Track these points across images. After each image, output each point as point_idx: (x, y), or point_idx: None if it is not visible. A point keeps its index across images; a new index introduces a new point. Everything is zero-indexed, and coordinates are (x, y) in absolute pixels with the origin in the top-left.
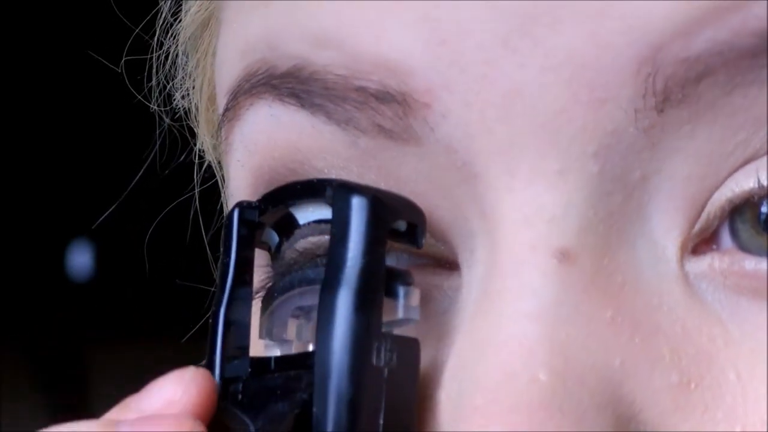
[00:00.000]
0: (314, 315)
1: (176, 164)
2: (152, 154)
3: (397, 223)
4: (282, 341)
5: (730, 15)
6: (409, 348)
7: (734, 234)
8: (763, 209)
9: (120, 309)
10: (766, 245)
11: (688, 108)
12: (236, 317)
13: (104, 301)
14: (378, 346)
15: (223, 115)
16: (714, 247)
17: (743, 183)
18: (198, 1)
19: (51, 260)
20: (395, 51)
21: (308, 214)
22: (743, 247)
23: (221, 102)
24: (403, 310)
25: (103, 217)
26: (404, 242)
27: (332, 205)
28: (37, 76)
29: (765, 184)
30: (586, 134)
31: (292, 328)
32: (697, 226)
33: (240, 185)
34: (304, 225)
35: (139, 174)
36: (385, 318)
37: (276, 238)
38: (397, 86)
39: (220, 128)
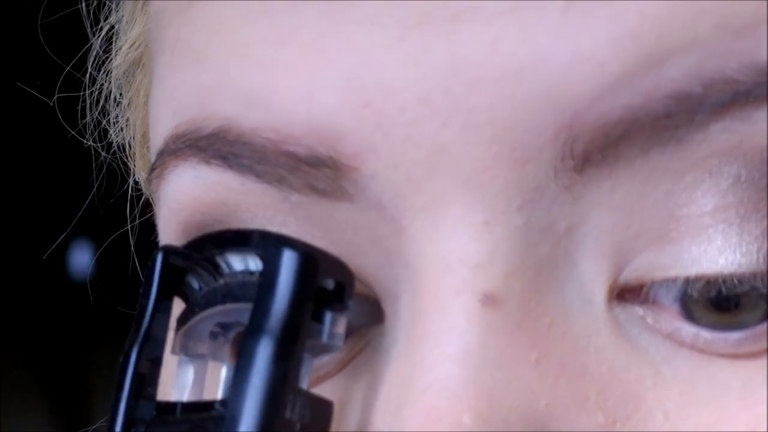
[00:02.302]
0: (232, 335)
1: None
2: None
3: (326, 281)
4: (196, 356)
5: (643, 79)
6: (324, 409)
7: (677, 297)
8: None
9: (120, 309)
10: (705, 314)
11: (608, 167)
12: (147, 359)
13: (104, 301)
14: (293, 400)
15: (151, 170)
16: (646, 298)
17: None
18: (129, 41)
19: (51, 260)
20: (323, 114)
21: (235, 263)
22: (687, 312)
23: (152, 157)
24: (327, 335)
25: (80, 213)
26: (331, 301)
27: (263, 255)
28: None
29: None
30: (510, 190)
31: (208, 344)
32: (623, 277)
33: (168, 237)
34: (227, 274)
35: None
36: (309, 341)
37: (196, 285)
38: (326, 151)
39: (149, 183)
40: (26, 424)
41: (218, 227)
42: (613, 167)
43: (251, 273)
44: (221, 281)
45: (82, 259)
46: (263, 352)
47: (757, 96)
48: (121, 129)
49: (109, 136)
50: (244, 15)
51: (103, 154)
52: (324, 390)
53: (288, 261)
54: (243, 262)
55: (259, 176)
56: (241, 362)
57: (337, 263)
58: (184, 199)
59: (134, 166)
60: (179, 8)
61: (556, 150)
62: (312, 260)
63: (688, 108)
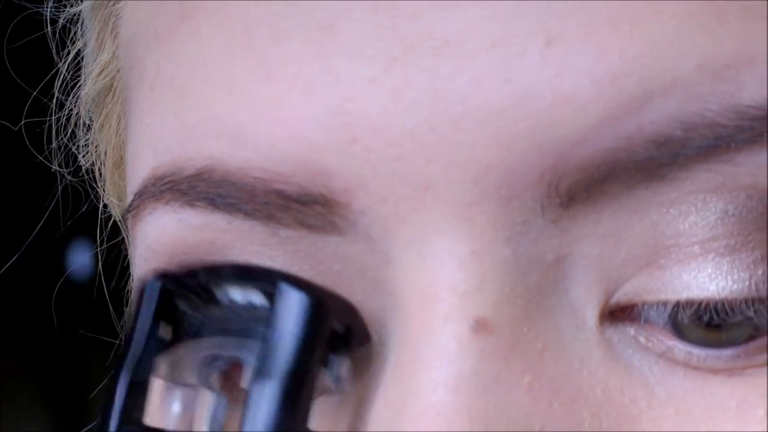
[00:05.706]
0: (223, 365)
1: None
2: None
3: (335, 324)
4: (184, 383)
5: (625, 122)
6: None
7: (669, 318)
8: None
9: (120, 309)
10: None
11: (593, 202)
12: (135, 382)
13: (104, 301)
14: None
15: (127, 210)
16: (637, 317)
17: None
18: (99, 66)
19: (51, 260)
20: (312, 151)
21: (235, 295)
22: (677, 331)
23: (129, 197)
24: (333, 379)
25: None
26: (338, 344)
27: (271, 295)
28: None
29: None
30: (497, 224)
31: (197, 372)
32: (614, 300)
33: (147, 273)
34: (225, 306)
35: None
36: (316, 385)
37: (188, 311)
38: (317, 189)
39: (125, 219)
40: (26, 425)
41: (201, 266)
42: (598, 202)
43: (254, 308)
44: (216, 311)
45: (81, 259)
46: (271, 397)
47: (740, 140)
48: (90, 153)
49: (78, 161)
50: (228, 49)
51: (69, 178)
52: None
53: (300, 306)
54: (244, 296)
55: (247, 214)
56: (249, 405)
57: (346, 306)
58: (167, 241)
59: (103, 191)
60: (157, 38)
61: (542, 189)
62: (324, 306)
63: (669, 152)
